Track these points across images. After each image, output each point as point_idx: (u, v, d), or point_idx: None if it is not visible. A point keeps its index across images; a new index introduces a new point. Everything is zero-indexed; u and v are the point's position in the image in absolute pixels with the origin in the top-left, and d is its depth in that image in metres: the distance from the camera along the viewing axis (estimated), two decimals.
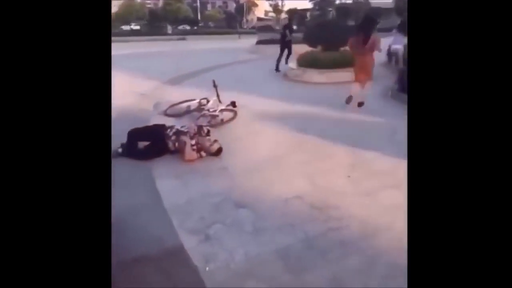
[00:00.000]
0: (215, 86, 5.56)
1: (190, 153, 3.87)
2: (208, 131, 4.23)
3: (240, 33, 32.52)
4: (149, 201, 3.12)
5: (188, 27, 38.59)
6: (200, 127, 4.21)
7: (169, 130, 4.12)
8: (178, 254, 2.42)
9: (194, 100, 5.83)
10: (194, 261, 2.34)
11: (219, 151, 4.04)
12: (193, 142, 3.93)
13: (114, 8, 40.63)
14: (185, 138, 3.92)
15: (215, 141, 4.09)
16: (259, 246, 2.48)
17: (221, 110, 5.37)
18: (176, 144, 3.99)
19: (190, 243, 2.50)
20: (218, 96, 5.59)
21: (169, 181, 3.45)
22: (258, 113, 5.74)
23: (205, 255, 2.39)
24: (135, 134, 4.17)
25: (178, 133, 4.05)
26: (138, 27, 37.13)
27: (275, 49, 11.26)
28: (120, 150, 4.06)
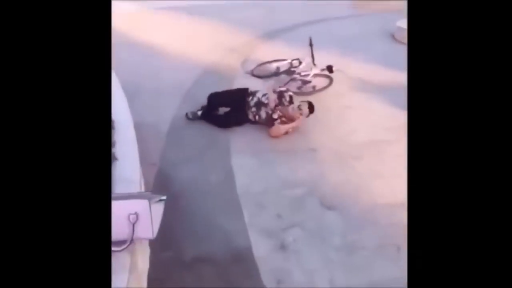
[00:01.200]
0: (310, 45, 4.72)
1: (276, 129, 3.31)
2: (291, 97, 3.60)
3: None
4: (220, 180, 2.69)
5: None
6: (280, 94, 3.60)
7: (250, 98, 3.59)
8: (245, 262, 1.96)
9: (284, 60, 5.12)
10: (263, 277, 1.84)
11: (311, 109, 3.49)
12: (276, 116, 3.39)
13: None
14: (266, 111, 3.43)
15: (300, 107, 3.48)
16: (350, 273, 1.87)
17: (315, 75, 4.58)
18: (257, 117, 3.49)
19: (261, 250, 2.01)
20: (312, 57, 4.77)
21: (245, 160, 2.95)
22: (358, 82, 4.80)
23: (277, 271, 1.88)
24: (216, 98, 3.74)
25: (259, 104, 3.50)
26: None
27: (383, 5, 9.60)
28: (199, 113, 3.69)
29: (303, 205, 2.40)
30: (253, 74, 5.15)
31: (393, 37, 8.47)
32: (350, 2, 16.17)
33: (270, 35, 8.36)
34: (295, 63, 4.99)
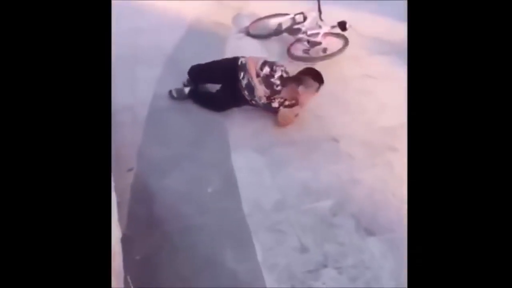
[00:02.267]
0: None
1: (283, 117, 2.57)
2: (282, 78, 2.71)
3: None
4: (219, 192, 2.02)
5: None
6: (267, 80, 2.66)
7: (241, 75, 2.74)
8: None
9: (286, 15, 4.22)
10: None
11: (318, 79, 2.63)
12: (277, 104, 2.65)
13: None
14: (261, 95, 2.63)
15: (302, 82, 2.60)
16: None
17: (325, 34, 3.75)
18: (253, 102, 2.73)
19: None
20: (320, 11, 3.89)
21: (250, 159, 2.26)
22: (376, 43, 3.99)
23: None
24: (199, 73, 2.94)
25: (250, 88, 2.68)
26: None
27: None
28: (186, 90, 2.92)
29: (334, 227, 1.77)
30: (248, 33, 4.29)
31: None
32: None
33: None
34: (299, 18, 4.11)
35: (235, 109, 2.75)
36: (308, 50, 3.70)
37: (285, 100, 2.67)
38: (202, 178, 2.10)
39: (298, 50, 3.72)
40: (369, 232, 1.75)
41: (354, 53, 3.68)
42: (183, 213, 1.87)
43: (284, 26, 4.12)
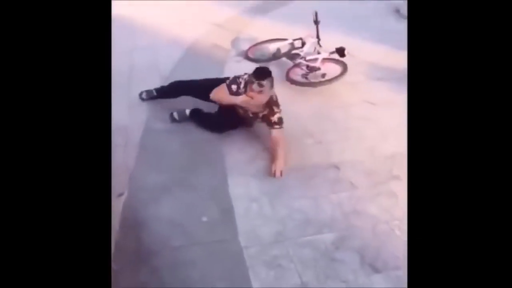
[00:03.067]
0: (316, 22, 3.83)
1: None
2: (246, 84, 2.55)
3: None
4: (215, 223, 1.90)
5: None
6: (237, 92, 2.56)
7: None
8: None
9: (284, 40, 4.24)
10: None
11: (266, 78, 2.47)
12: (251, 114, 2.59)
13: None
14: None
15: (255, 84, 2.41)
16: None
17: (323, 60, 3.74)
18: (249, 115, 2.64)
19: None
20: (318, 37, 3.90)
21: (247, 186, 2.15)
22: (377, 70, 3.99)
23: None
24: (182, 89, 3.02)
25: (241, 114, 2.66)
26: None
27: None
28: (187, 112, 2.84)
29: (337, 265, 1.65)
30: (247, 56, 4.29)
31: (398, 12, 7.63)
32: None
33: (262, 8, 7.35)
34: (297, 43, 4.14)
35: (232, 132, 2.66)
36: (307, 75, 3.68)
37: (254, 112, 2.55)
38: (196, 206, 1.99)
39: (296, 74, 3.69)
40: (374, 269, 1.63)
41: (352, 79, 3.66)
42: (174, 245, 1.74)
43: (282, 51, 4.13)
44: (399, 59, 4.35)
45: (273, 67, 3.98)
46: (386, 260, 1.68)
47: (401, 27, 6.41)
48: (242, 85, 2.53)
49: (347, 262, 1.67)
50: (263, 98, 2.44)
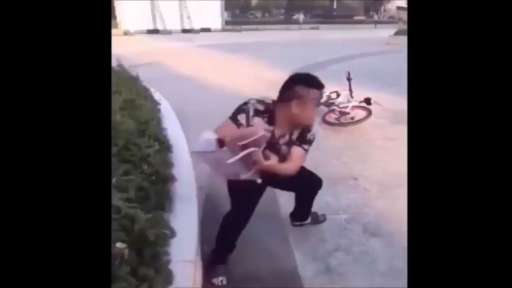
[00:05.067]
0: (349, 79, 4.87)
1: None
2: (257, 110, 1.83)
3: (376, 23, 30.04)
4: (265, 203, 2.80)
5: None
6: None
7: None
8: (292, 282, 2.01)
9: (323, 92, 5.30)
10: None
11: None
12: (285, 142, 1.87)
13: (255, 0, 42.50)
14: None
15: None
16: None
17: (353, 107, 4.70)
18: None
19: (306, 272, 2.06)
20: (350, 90, 4.91)
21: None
22: (396, 115, 4.86)
23: None
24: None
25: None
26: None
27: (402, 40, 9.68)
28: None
29: (347, 231, 2.44)
30: None
31: None
32: (385, 39, 16.40)
33: (307, 69, 8.68)
34: (333, 95, 5.15)
35: None
36: (339, 118, 4.61)
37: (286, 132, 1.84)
38: None
39: (331, 117, 4.64)
40: (370, 232, 2.39)
41: (377, 121, 4.56)
42: None
43: (321, 101, 5.16)
44: None
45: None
46: (381, 231, 2.43)
47: None
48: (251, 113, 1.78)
49: (353, 229, 2.45)
50: (314, 113, 1.81)
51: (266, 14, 44.73)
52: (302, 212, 2.44)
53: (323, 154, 3.66)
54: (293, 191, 2.31)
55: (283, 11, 40.15)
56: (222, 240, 2.02)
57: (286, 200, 2.72)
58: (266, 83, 7.19)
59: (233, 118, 1.78)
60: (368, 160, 3.54)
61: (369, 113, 4.57)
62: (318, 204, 2.72)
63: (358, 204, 2.76)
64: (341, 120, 4.55)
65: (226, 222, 2.02)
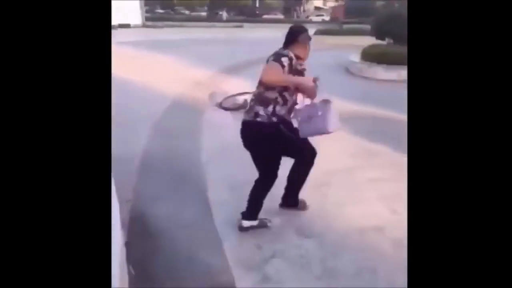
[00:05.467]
0: None
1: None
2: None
3: (298, 22, 31.44)
4: (198, 214, 2.67)
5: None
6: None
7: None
8: None
9: (250, 93, 5.30)
10: None
11: None
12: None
13: None
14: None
15: None
16: None
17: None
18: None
19: (243, 283, 2.00)
20: None
21: (221, 192, 2.97)
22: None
23: None
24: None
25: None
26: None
27: (334, 40, 10.37)
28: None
29: (281, 235, 2.44)
30: (221, 106, 5.26)
31: (347, 70, 9.10)
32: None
33: (232, 69, 8.65)
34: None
35: (215, 159, 3.53)
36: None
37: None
38: (184, 206, 2.76)
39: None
40: (303, 234, 2.43)
41: None
42: (171, 229, 2.49)
43: (249, 101, 5.16)
44: (342, 106, 5.48)
45: (241, 114, 4.97)
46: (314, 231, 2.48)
47: (351, 83, 7.73)
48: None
49: (287, 233, 2.46)
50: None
51: (187, 12, 43.79)
52: (293, 196, 2.66)
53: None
54: (297, 157, 2.52)
55: (206, 8, 39.66)
56: (254, 201, 2.42)
57: (219, 213, 2.64)
58: (191, 82, 6.99)
59: (278, 60, 2.09)
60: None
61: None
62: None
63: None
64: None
65: (257, 186, 2.41)
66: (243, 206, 2.48)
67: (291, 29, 2.38)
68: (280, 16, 41.07)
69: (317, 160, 3.58)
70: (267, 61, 2.20)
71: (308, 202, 2.79)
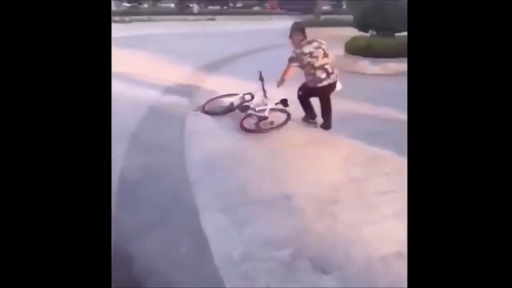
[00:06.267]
0: (261, 79, 4.53)
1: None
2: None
3: (272, 14, 30.88)
4: (192, 249, 2.26)
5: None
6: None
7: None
8: None
9: (235, 94, 4.88)
10: None
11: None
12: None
13: None
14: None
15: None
16: None
17: (271, 110, 4.40)
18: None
19: None
20: (264, 91, 4.59)
21: (216, 219, 2.56)
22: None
23: None
24: None
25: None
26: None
27: (311, 32, 9.98)
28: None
29: (295, 269, 2.08)
30: (204, 110, 4.81)
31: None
32: (284, 30, 16.58)
33: (214, 65, 8.13)
34: (248, 97, 4.79)
35: (202, 175, 3.10)
36: (258, 123, 4.26)
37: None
38: (175, 240, 2.34)
39: (249, 124, 4.27)
40: (323, 271, 2.08)
41: (297, 125, 4.34)
42: (161, 270, 2.07)
43: (235, 104, 4.72)
44: (337, 105, 5.17)
45: (227, 119, 4.55)
46: (332, 263, 2.14)
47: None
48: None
49: (301, 268, 2.10)
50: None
51: (158, 4, 42.23)
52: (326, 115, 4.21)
53: (248, 169, 3.26)
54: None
55: (176, 0, 38.33)
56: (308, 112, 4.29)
57: (218, 247, 2.24)
58: (169, 83, 6.45)
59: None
60: (297, 171, 3.26)
61: (289, 116, 4.32)
62: (255, 240, 2.30)
63: (298, 231, 2.42)
64: (260, 126, 4.20)
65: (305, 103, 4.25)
66: (243, 233, 2.09)
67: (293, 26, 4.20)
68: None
69: (319, 173, 3.27)
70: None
71: (317, 225, 2.44)
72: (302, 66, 3.91)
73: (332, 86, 3.96)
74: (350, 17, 9.94)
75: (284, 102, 4.31)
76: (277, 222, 2.52)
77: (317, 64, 3.84)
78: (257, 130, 4.15)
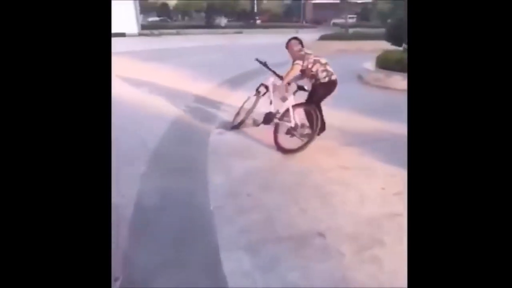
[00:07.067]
0: (262, 63, 4.45)
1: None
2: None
3: (298, 27, 30.82)
4: None
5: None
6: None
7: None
8: None
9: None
10: None
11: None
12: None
13: (173, 2, 40.79)
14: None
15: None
16: None
17: (294, 108, 4.01)
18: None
19: None
20: (273, 71, 4.37)
21: (239, 260, 2.23)
22: (344, 134, 4.36)
23: None
24: None
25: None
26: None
27: (340, 45, 9.62)
28: None
29: None
30: (233, 126, 4.56)
31: (361, 79, 8.39)
32: (310, 43, 16.46)
33: (235, 81, 7.92)
34: (262, 89, 4.63)
35: (225, 203, 2.80)
36: (291, 133, 3.94)
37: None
38: (192, 283, 2.03)
39: (284, 139, 3.92)
40: None
41: (324, 144, 3.99)
42: None
43: (252, 105, 4.47)
44: (363, 123, 4.77)
45: (253, 135, 4.25)
46: None
47: (363, 92, 7.07)
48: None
49: None
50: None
51: (186, 18, 43.28)
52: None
53: (274, 197, 2.93)
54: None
55: (203, 14, 39.06)
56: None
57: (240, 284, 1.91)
58: (193, 97, 6.27)
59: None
60: (329, 202, 2.89)
61: (316, 113, 3.96)
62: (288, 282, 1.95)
63: (335, 280, 2.05)
64: (295, 135, 3.87)
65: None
66: (269, 280, 1.75)
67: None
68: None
69: (355, 205, 2.88)
70: None
71: (357, 275, 2.07)
72: (305, 70, 3.87)
73: (333, 83, 3.92)
74: (378, 31, 9.56)
75: (301, 88, 3.97)
76: (308, 266, 2.16)
77: (323, 61, 3.90)
78: (296, 148, 3.81)
